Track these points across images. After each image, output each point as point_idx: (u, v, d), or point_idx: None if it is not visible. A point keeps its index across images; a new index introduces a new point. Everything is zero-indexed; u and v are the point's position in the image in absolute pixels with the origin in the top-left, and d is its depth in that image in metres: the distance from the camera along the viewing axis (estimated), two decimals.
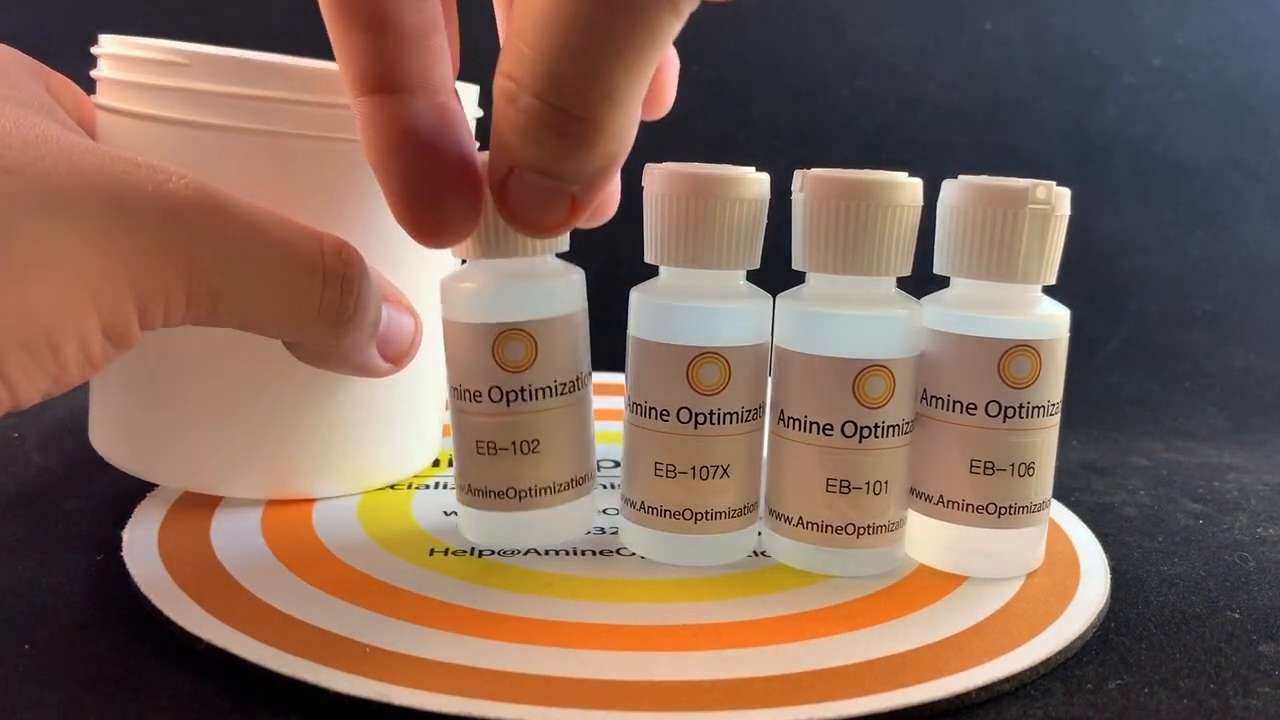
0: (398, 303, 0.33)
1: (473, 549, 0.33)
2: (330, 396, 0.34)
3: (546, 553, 0.33)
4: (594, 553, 0.34)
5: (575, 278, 0.33)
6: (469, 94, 0.35)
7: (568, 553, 0.34)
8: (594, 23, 0.23)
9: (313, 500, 0.37)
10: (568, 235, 0.32)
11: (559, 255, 0.33)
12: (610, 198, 0.33)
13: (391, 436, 0.37)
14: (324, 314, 0.29)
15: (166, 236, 0.25)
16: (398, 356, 0.32)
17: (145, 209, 0.25)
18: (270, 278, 0.27)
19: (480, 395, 0.32)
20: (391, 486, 0.38)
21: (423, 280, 0.34)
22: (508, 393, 0.32)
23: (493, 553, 0.33)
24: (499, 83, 0.24)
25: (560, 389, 0.32)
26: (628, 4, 0.23)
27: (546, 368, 0.32)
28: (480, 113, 0.36)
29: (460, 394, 0.32)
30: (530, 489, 0.33)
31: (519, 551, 0.33)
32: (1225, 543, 0.38)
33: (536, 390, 0.32)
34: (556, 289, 0.32)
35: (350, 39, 0.27)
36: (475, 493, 0.33)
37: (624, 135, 0.25)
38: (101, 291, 0.24)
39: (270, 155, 0.32)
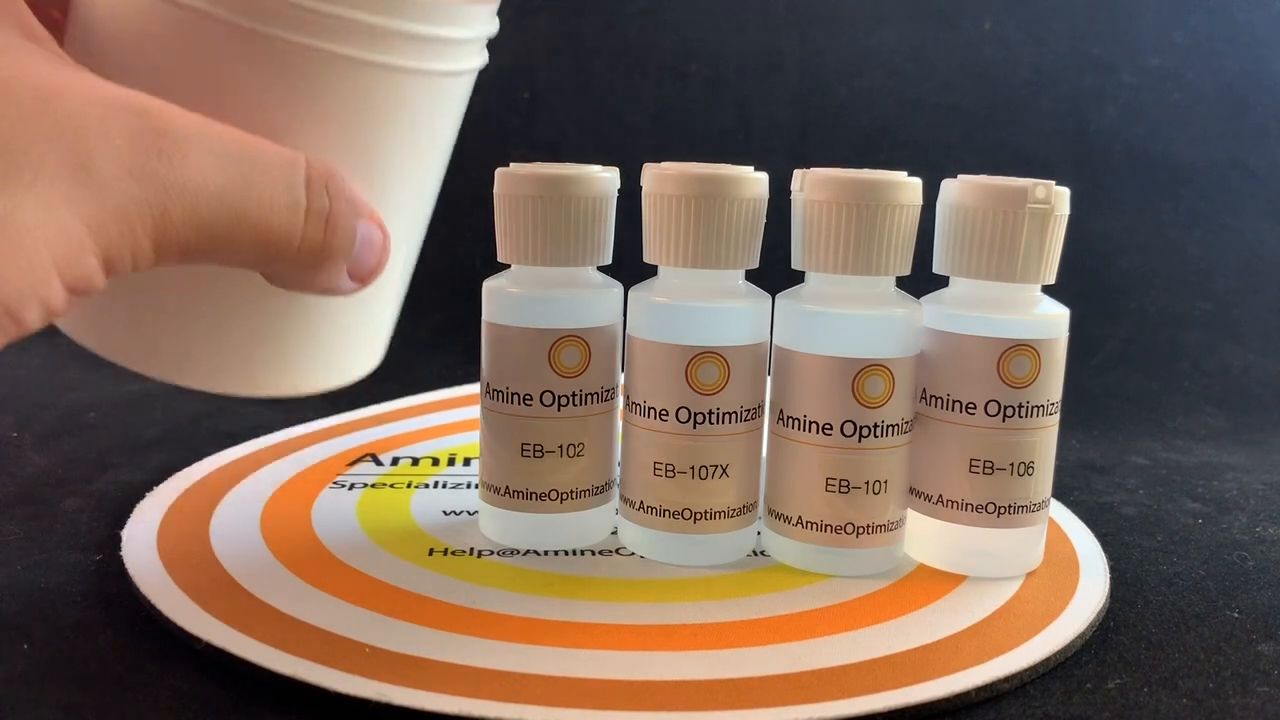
0: (370, 218, 0.31)
1: (472, 549, 0.33)
2: (291, 302, 0.32)
3: (545, 553, 0.33)
4: (594, 552, 0.34)
5: (615, 291, 0.34)
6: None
7: (567, 553, 0.34)
8: None
9: (312, 501, 0.37)
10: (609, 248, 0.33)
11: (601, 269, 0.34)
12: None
13: (348, 335, 0.35)
14: (304, 252, 0.28)
15: (132, 195, 0.24)
16: (366, 276, 0.31)
17: (109, 169, 0.24)
18: (245, 223, 0.26)
19: (531, 399, 0.32)
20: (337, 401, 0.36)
21: (399, 192, 0.33)
22: (560, 397, 0.33)
23: (492, 553, 0.33)
24: None
25: (607, 395, 0.34)
26: None
27: (596, 373, 0.33)
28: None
29: (507, 397, 0.33)
30: (571, 491, 0.33)
31: (519, 551, 0.33)
32: (1224, 542, 0.38)
33: (587, 395, 0.33)
34: (609, 300, 0.33)
35: None
36: (514, 495, 0.33)
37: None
38: (64, 256, 0.23)
39: (261, 58, 0.30)
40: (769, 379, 0.33)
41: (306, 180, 0.28)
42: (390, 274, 0.34)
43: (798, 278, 0.33)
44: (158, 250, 0.25)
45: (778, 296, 0.33)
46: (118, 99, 0.25)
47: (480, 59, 0.33)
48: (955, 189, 0.32)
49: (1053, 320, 0.32)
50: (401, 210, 0.33)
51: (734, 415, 0.32)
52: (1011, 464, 0.32)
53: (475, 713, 0.24)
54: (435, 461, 0.42)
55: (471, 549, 0.34)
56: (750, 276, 0.33)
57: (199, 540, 0.33)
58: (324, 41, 0.30)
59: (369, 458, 0.42)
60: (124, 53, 0.27)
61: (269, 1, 0.28)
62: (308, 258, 0.28)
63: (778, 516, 0.33)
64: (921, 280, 0.33)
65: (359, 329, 0.35)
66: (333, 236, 0.28)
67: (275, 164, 0.27)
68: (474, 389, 0.51)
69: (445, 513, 0.37)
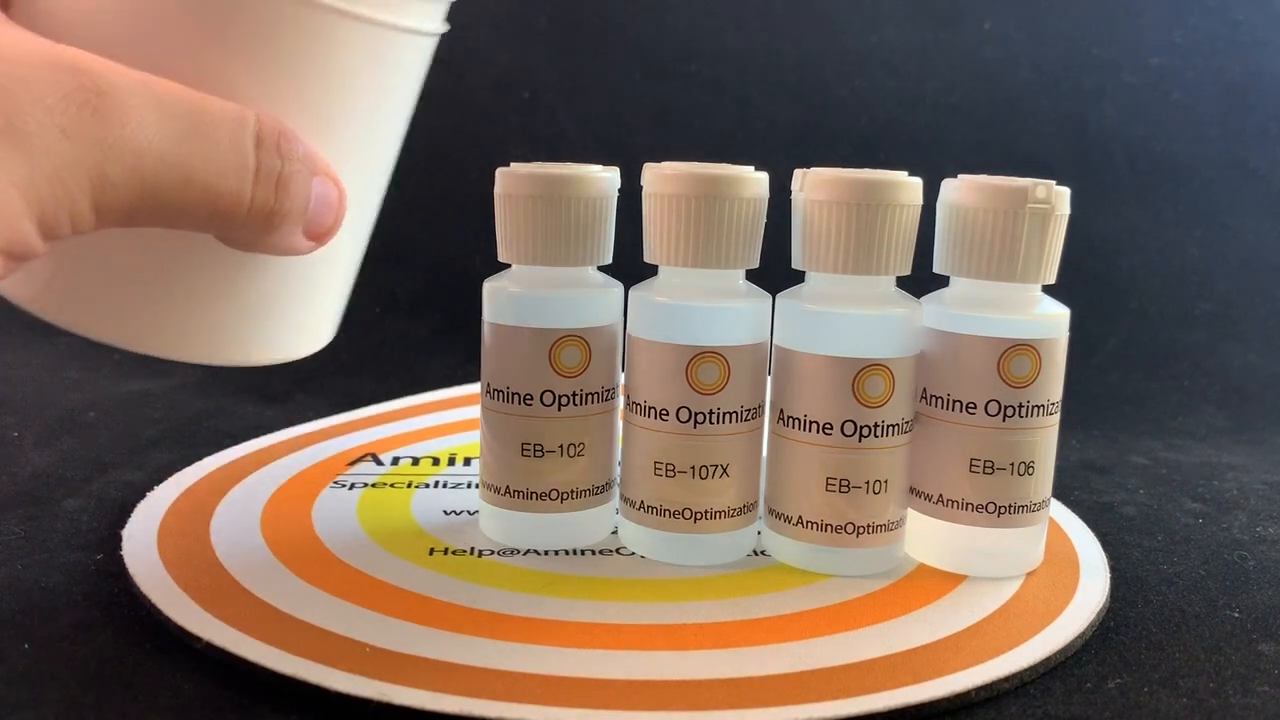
0: (325, 175, 0.30)
1: (472, 549, 0.33)
2: (246, 264, 0.32)
3: (546, 553, 0.33)
4: (593, 552, 0.34)
5: (616, 291, 0.34)
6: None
7: (567, 552, 0.34)
8: None
9: (312, 500, 0.37)
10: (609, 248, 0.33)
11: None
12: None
13: (303, 302, 0.34)
14: (254, 214, 0.27)
15: (67, 156, 0.23)
16: (322, 234, 0.31)
17: (41, 131, 0.23)
18: (192, 184, 0.25)
19: (532, 398, 0.32)
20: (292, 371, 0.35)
21: (352, 152, 0.32)
22: (560, 396, 0.33)
23: (493, 552, 0.33)
24: None
25: (607, 395, 0.33)
26: None
27: (596, 373, 0.33)
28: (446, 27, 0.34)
29: (508, 397, 0.33)
30: (572, 491, 0.33)
31: (519, 551, 0.33)
32: (1224, 542, 0.38)
33: (587, 395, 0.33)
34: (610, 300, 0.33)
35: None
36: (514, 494, 0.33)
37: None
38: None
39: (204, 6, 0.28)
40: (769, 379, 0.33)
41: (257, 139, 0.27)
42: (344, 238, 0.34)
43: (798, 277, 0.33)
44: (98, 212, 0.24)
45: (778, 296, 0.33)
46: (52, 57, 0.23)
47: (434, 23, 0.32)
48: (955, 189, 0.32)
49: (1053, 320, 0.32)
50: (356, 171, 0.32)
51: (734, 415, 0.32)
52: (1012, 464, 0.32)
53: (476, 712, 0.24)
54: (435, 461, 0.42)
55: (472, 549, 0.34)
56: (750, 276, 0.33)
57: (199, 540, 0.33)
58: None
59: (369, 457, 0.42)
60: (67, 10, 0.26)
61: None
62: (259, 220, 0.27)
63: (778, 516, 0.33)
64: (922, 280, 0.33)
65: (314, 296, 0.34)
66: (285, 197, 0.28)
67: (223, 122, 0.26)
68: (474, 389, 0.51)
69: (446, 512, 0.37)
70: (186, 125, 0.25)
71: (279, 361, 0.34)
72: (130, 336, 0.31)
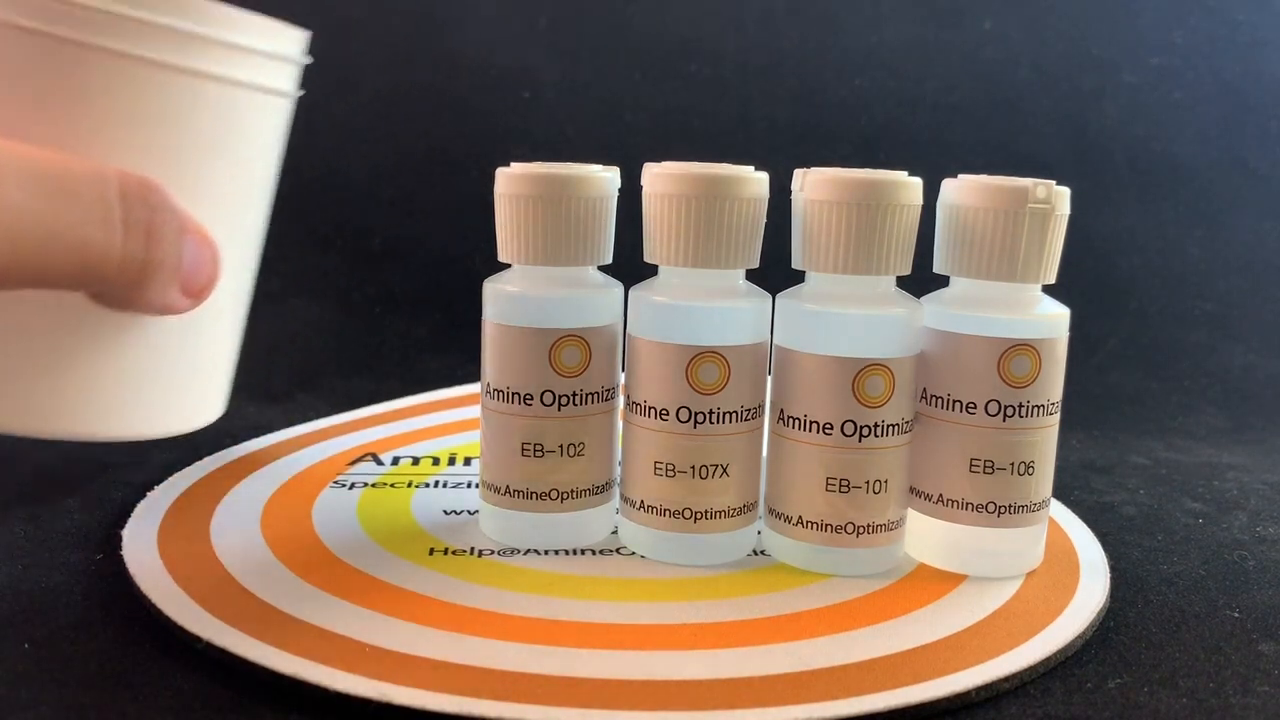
0: (196, 233, 0.30)
1: (472, 548, 0.34)
2: (119, 330, 0.32)
3: (546, 552, 0.33)
4: (593, 552, 0.34)
5: (616, 291, 0.34)
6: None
7: (567, 552, 0.34)
8: None
9: (312, 500, 0.37)
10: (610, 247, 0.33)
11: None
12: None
13: (185, 379, 0.34)
14: (127, 266, 0.27)
15: None
16: (199, 290, 0.31)
17: None
18: (58, 240, 0.25)
19: (532, 398, 0.32)
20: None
21: (222, 205, 0.33)
22: (560, 396, 0.32)
23: (493, 552, 0.33)
24: None
25: (607, 394, 0.33)
26: None
27: (596, 373, 0.33)
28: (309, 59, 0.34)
29: (507, 396, 0.33)
30: (572, 490, 0.33)
31: (519, 551, 0.33)
32: (1225, 542, 0.38)
33: (587, 395, 0.33)
34: (610, 300, 0.33)
35: None
36: (514, 494, 0.33)
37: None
38: None
39: (67, 69, 0.29)
40: (769, 379, 0.33)
41: (121, 192, 0.27)
42: (223, 301, 0.33)
43: (798, 277, 0.33)
44: None
45: (778, 296, 0.33)
46: None
47: (288, 83, 0.33)
48: (955, 189, 0.32)
49: (1053, 320, 0.32)
50: (225, 233, 0.32)
51: (734, 415, 0.32)
52: (1012, 464, 0.32)
53: (475, 712, 0.24)
54: (435, 461, 0.42)
55: (472, 548, 0.34)
56: (750, 276, 0.33)
57: (200, 540, 0.33)
58: (117, 43, 0.29)
59: (369, 457, 0.42)
60: None
61: (54, 4, 0.28)
62: (132, 272, 0.27)
63: (778, 516, 0.33)
64: (922, 280, 0.33)
65: (197, 364, 0.34)
66: (156, 247, 0.27)
67: (84, 177, 0.26)
68: (474, 389, 0.51)
69: (446, 512, 0.37)
70: (48, 183, 0.25)
71: (165, 435, 0.34)
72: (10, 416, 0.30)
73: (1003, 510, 0.32)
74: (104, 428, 0.32)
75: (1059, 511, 0.39)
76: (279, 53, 0.32)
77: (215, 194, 0.32)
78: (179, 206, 0.29)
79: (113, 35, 0.29)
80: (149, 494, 0.37)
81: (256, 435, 0.45)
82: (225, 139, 0.31)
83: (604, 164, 0.34)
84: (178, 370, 0.33)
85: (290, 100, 0.33)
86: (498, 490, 0.33)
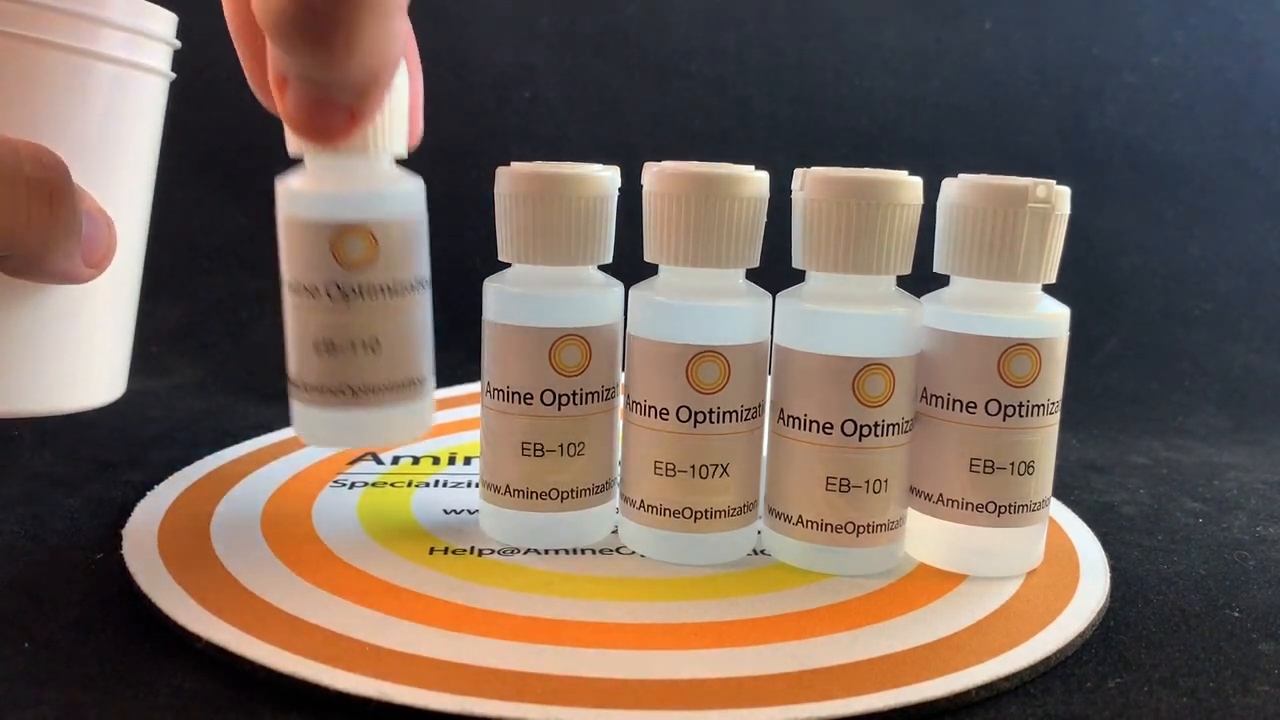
0: (92, 204, 0.31)
1: (472, 548, 0.34)
2: (20, 303, 0.32)
3: (546, 552, 0.33)
4: (594, 551, 0.34)
5: (616, 290, 0.34)
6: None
7: (567, 551, 0.34)
8: None
9: (313, 499, 0.37)
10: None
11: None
12: (412, 119, 0.32)
13: (86, 355, 0.35)
14: (33, 228, 0.28)
15: None
16: (99, 261, 0.31)
17: None
18: None
19: (532, 397, 0.32)
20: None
21: (116, 187, 0.34)
22: (560, 396, 0.32)
23: (493, 551, 0.33)
24: None
25: (607, 394, 0.33)
26: None
27: (596, 372, 0.33)
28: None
29: (508, 396, 0.33)
30: (572, 490, 0.33)
31: (519, 550, 0.33)
32: (1225, 541, 0.38)
33: (587, 394, 0.33)
34: (610, 300, 0.33)
35: None
36: (514, 493, 0.33)
37: (380, 45, 0.25)
38: None
39: None
40: (769, 378, 0.33)
41: (24, 156, 0.27)
42: (119, 279, 0.34)
43: (798, 277, 0.33)
44: None
45: (778, 296, 0.33)
46: None
47: (166, 64, 0.34)
48: (956, 188, 0.32)
49: (1053, 319, 0.32)
50: (115, 212, 0.33)
51: (734, 414, 0.32)
52: (1012, 463, 0.32)
53: (476, 711, 0.24)
54: (436, 460, 0.42)
55: (472, 548, 0.34)
56: (751, 275, 0.33)
57: (199, 539, 0.33)
58: (7, 24, 0.30)
59: (369, 456, 0.42)
60: None
61: None
62: (37, 235, 0.28)
63: (778, 515, 0.33)
64: (922, 279, 0.33)
65: (93, 343, 0.34)
66: (60, 211, 0.28)
67: None
68: (474, 388, 0.51)
69: (446, 511, 0.37)
70: None
71: (65, 411, 0.34)
72: None
73: (1003, 510, 0.32)
74: (3, 403, 0.33)
75: (1059, 511, 0.39)
76: (158, 34, 0.34)
77: (105, 172, 0.33)
78: (76, 183, 0.30)
79: (3, 18, 0.30)
80: (149, 494, 0.37)
81: (256, 434, 0.45)
82: (113, 119, 0.33)
83: (604, 163, 0.34)
84: (78, 345, 0.34)
85: (162, 79, 0.34)
86: (498, 490, 0.33)
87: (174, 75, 0.35)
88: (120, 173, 0.34)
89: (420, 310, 0.32)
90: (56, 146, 0.30)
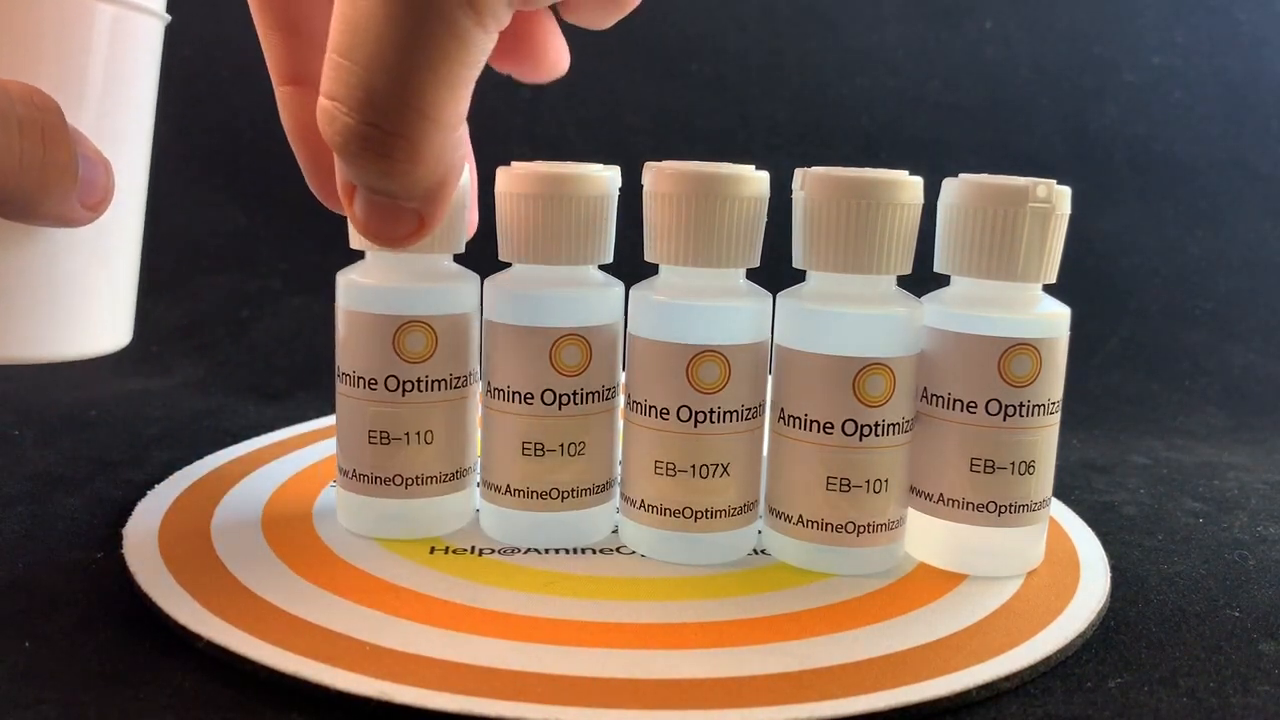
0: (88, 147, 0.31)
1: (473, 547, 0.34)
2: (18, 247, 0.32)
3: (546, 551, 0.33)
4: (594, 551, 0.34)
5: (616, 290, 0.34)
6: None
7: (568, 551, 0.34)
8: (402, 33, 0.23)
9: (313, 499, 0.37)
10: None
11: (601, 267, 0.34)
12: (469, 217, 0.34)
13: (87, 301, 0.34)
14: (27, 169, 0.27)
15: None
16: (97, 204, 0.31)
17: None
18: None
19: (532, 397, 0.32)
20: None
21: (115, 130, 0.33)
22: (561, 395, 0.32)
23: (493, 551, 0.33)
24: (321, 103, 0.25)
25: (607, 394, 0.33)
26: (434, 12, 0.23)
27: (596, 372, 0.33)
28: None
29: (508, 396, 0.33)
30: (574, 489, 0.33)
31: (519, 550, 0.33)
32: (1225, 541, 0.38)
33: (587, 394, 0.33)
34: (610, 299, 0.33)
35: (271, 37, 0.30)
36: (515, 493, 0.33)
37: (444, 154, 0.26)
38: None
39: None
40: (770, 378, 0.33)
41: (15, 97, 0.27)
42: (119, 224, 0.34)
43: (798, 276, 0.33)
44: None
45: (778, 295, 0.33)
46: None
47: (158, 3, 0.33)
48: (956, 188, 0.32)
49: (1053, 319, 0.32)
50: (114, 155, 0.32)
51: (735, 414, 0.32)
52: (1012, 463, 0.32)
53: (475, 710, 0.24)
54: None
55: (472, 547, 0.34)
56: (751, 275, 0.33)
57: (200, 538, 0.33)
58: None
59: None
60: None
61: None
62: (31, 177, 0.28)
63: (778, 515, 0.33)
64: (922, 279, 0.33)
65: (94, 289, 0.34)
66: (54, 152, 0.28)
67: None
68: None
69: None
70: None
71: (68, 358, 0.33)
72: None
73: (1003, 510, 0.32)
74: (3, 349, 0.32)
75: (1059, 511, 0.39)
76: None
77: (104, 115, 0.33)
78: (70, 123, 0.30)
79: None
80: (149, 493, 0.37)
81: (257, 434, 0.45)
82: (112, 61, 0.32)
83: (604, 163, 0.34)
84: (79, 291, 0.33)
85: (158, 21, 0.34)
86: (498, 489, 0.33)
87: (170, 18, 0.34)
88: (119, 116, 0.33)
89: (472, 402, 0.34)
90: (55, 89, 0.30)
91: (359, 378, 0.33)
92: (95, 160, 0.31)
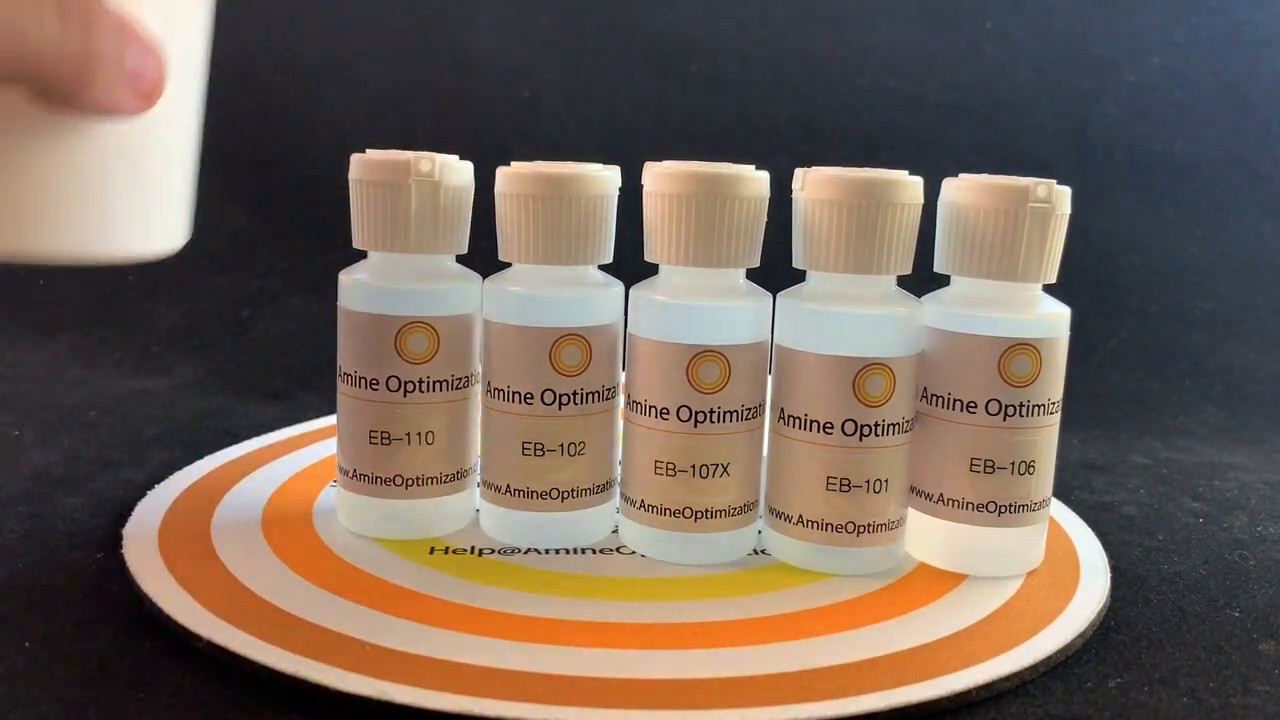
0: (137, 32, 0.29)
1: (473, 547, 0.34)
2: (68, 139, 0.30)
3: (546, 551, 0.33)
4: (594, 551, 0.34)
5: (616, 290, 0.34)
6: None
7: (568, 551, 0.34)
8: None
9: (313, 499, 0.37)
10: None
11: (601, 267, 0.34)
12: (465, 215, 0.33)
13: (142, 197, 0.33)
14: (65, 58, 0.26)
15: None
16: (148, 92, 0.30)
17: None
18: None
19: (532, 397, 0.32)
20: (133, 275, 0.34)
21: (167, 13, 0.31)
22: (561, 395, 0.32)
23: (493, 551, 0.33)
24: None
25: (607, 394, 0.33)
26: None
27: (597, 372, 0.33)
28: None
29: (508, 396, 0.33)
30: (574, 489, 0.33)
31: (519, 550, 0.33)
32: (1225, 541, 0.38)
33: (587, 394, 0.33)
34: (610, 299, 0.33)
35: None
36: (515, 493, 0.33)
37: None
38: None
39: None
40: (770, 378, 0.33)
41: None
42: (173, 116, 0.32)
43: (799, 276, 0.33)
44: None
45: (779, 295, 0.33)
46: None
47: None
48: (956, 188, 0.32)
49: (1054, 319, 0.32)
50: (168, 39, 0.30)
51: (735, 414, 0.32)
52: (1012, 463, 0.32)
53: (476, 711, 0.24)
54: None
55: (472, 547, 0.34)
56: (751, 275, 0.33)
57: (200, 538, 0.33)
58: None
59: None
60: None
61: None
62: (72, 63, 0.27)
63: (778, 515, 0.33)
64: (922, 279, 0.33)
65: (149, 184, 0.32)
66: (96, 37, 0.27)
67: None
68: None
69: None
70: None
71: (122, 258, 0.32)
72: None
73: (1003, 510, 0.32)
74: (55, 246, 0.31)
75: (1059, 511, 0.39)
76: None
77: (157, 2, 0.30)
78: (116, 6, 0.28)
79: None
80: (149, 493, 0.37)
81: (257, 434, 0.45)
82: None
83: (604, 163, 0.34)
84: (133, 186, 0.32)
85: None
86: (498, 489, 0.33)
87: None
88: (175, 4, 0.31)
89: (473, 402, 0.34)
90: None
91: (360, 378, 0.33)
92: (144, 46, 0.29)
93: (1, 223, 0.30)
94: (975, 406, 0.32)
